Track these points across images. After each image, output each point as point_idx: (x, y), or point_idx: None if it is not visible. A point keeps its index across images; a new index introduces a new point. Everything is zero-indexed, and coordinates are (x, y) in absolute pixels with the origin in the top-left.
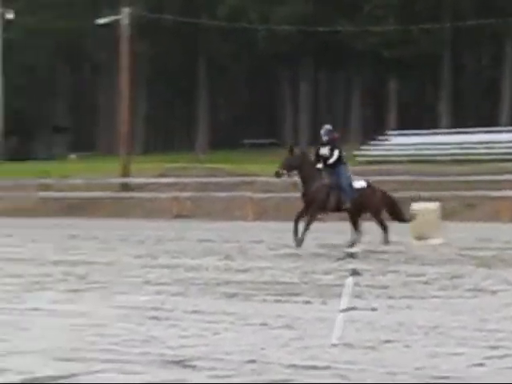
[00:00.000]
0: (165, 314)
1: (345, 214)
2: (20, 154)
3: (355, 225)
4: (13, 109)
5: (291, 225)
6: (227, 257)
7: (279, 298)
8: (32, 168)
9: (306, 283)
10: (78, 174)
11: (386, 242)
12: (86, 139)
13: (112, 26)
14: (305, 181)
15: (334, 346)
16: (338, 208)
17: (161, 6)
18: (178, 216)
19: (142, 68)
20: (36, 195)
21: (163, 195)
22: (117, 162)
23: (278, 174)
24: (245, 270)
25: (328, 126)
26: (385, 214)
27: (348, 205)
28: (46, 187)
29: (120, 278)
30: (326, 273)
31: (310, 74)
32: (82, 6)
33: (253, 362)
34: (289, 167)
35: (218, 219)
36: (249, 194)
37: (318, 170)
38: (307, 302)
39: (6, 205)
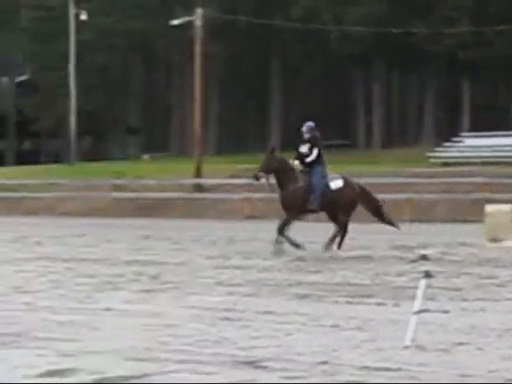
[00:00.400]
0: (237, 315)
1: (414, 216)
2: (93, 155)
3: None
4: (86, 109)
5: (363, 226)
6: (299, 258)
7: (351, 299)
8: (106, 168)
9: (378, 285)
10: (151, 175)
11: (339, 245)
12: (158, 140)
13: (185, 27)
14: (282, 184)
15: (407, 348)
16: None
17: (234, 7)
18: (250, 217)
19: (215, 69)
20: (109, 195)
21: (235, 196)
22: (189, 163)
23: (255, 177)
24: (317, 271)
25: (310, 124)
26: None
27: (314, 206)
28: (120, 188)
29: (192, 278)
30: (399, 275)
31: (383, 75)
32: (155, 7)
33: (325, 363)
34: (267, 170)
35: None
36: None
37: (294, 173)
38: (379, 304)
39: (80, 205)
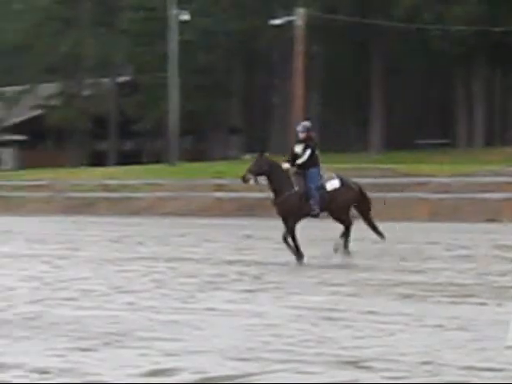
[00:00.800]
0: (340, 315)
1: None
2: (194, 155)
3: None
4: (187, 110)
5: (465, 225)
6: (402, 258)
7: (454, 299)
8: (207, 168)
9: (480, 285)
10: None
11: (346, 246)
12: (258, 140)
13: (286, 27)
14: (275, 188)
15: (510, 348)
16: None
17: (335, 6)
18: (352, 217)
19: (315, 68)
20: (211, 195)
21: None
22: None
23: (244, 180)
24: (419, 271)
25: (306, 123)
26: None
27: (317, 211)
28: (221, 187)
29: (294, 278)
30: (502, 274)
31: (484, 74)
32: (255, 7)
33: (428, 363)
34: (257, 172)
35: (391, 220)
36: (423, 194)
37: (288, 177)
38: (482, 304)
39: (182, 205)
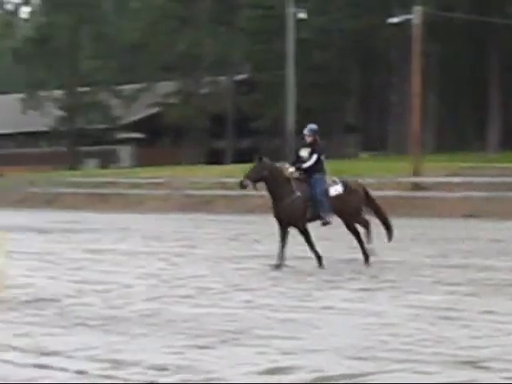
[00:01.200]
0: (457, 314)
1: None
2: None
3: (355, 231)
4: (305, 108)
5: None
6: None
7: None
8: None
9: None
10: (370, 173)
11: (369, 241)
12: (375, 138)
13: (404, 25)
14: (273, 194)
15: None
16: (314, 219)
17: (451, 4)
18: (468, 216)
19: (432, 67)
20: None
21: (454, 195)
22: (407, 162)
23: (241, 186)
24: None
25: (313, 126)
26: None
27: (328, 220)
28: None
29: (411, 277)
30: None
31: None
32: (371, 6)
33: None
34: (255, 178)
35: (509, 219)
36: None
37: (289, 182)
38: None
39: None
